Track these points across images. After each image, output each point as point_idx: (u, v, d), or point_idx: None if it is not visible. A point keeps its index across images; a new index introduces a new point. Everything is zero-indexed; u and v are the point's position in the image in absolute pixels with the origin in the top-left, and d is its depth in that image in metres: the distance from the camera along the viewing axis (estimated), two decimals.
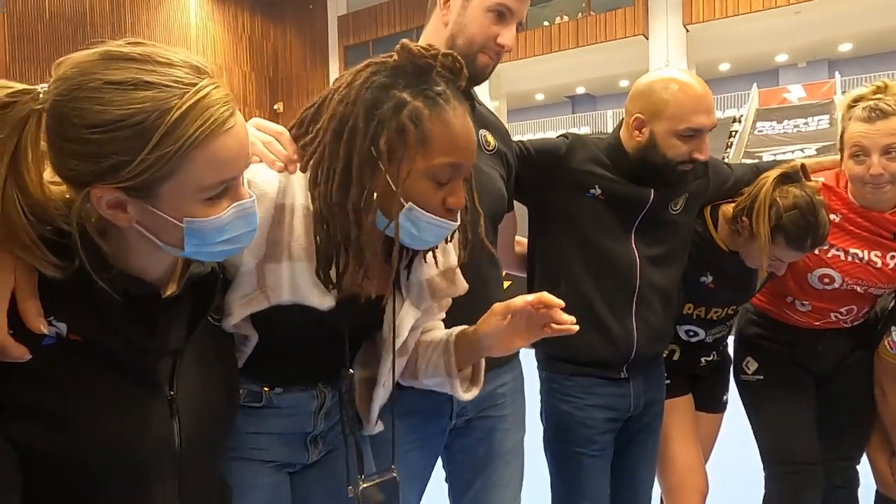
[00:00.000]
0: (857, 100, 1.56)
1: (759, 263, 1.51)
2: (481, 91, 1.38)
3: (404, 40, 0.85)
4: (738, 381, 1.84)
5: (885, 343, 1.66)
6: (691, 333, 1.70)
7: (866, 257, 1.60)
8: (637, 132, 1.41)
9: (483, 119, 1.36)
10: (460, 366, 1.03)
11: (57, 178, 0.68)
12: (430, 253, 0.97)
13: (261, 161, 0.87)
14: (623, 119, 1.46)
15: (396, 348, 0.98)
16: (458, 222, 0.90)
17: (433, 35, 1.27)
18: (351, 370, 0.98)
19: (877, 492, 1.81)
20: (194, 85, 0.65)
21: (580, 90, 20.03)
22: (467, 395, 1.05)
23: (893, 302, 1.68)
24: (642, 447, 1.59)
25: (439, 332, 1.09)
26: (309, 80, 19.17)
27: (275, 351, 0.93)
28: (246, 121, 0.76)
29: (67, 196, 0.70)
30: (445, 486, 1.35)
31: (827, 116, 11.95)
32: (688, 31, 14.87)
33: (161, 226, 0.68)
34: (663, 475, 1.69)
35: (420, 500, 1.26)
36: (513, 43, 1.23)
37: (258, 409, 0.96)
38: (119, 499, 0.72)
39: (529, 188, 1.47)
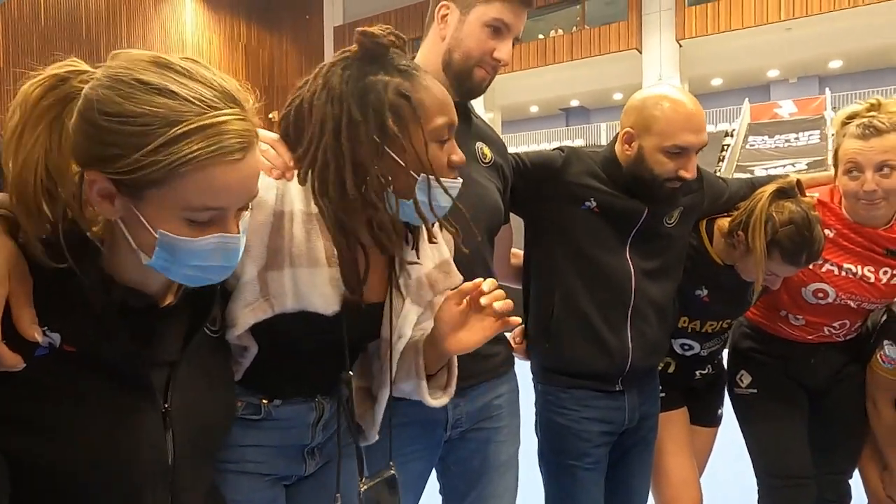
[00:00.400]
0: (851, 117, 1.58)
1: (754, 277, 1.52)
2: (476, 103, 1.39)
3: (358, 28, 0.89)
4: (732, 394, 1.84)
5: (877, 357, 1.67)
6: (686, 347, 1.70)
7: (860, 272, 1.61)
8: (627, 146, 1.42)
9: (480, 132, 1.36)
10: (429, 368, 1.01)
11: None
12: (426, 246, 0.99)
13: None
14: (618, 133, 1.47)
15: (401, 349, 0.98)
16: (461, 181, 0.94)
17: (430, 49, 1.28)
18: (351, 372, 0.97)
19: None
20: (216, 108, 0.65)
21: (574, 103, 20.17)
22: (436, 401, 1.02)
23: (885, 316, 1.69)
24: (637, 460, 1.58)
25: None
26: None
27: (274, 361, 0.92)
28: None
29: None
30: (439, 498, 1.34)
31: (818, 131, 12.08)
32: (681, 45, 15.03)
33: (138, 229, 0.68)
34: (658, 488, 1.68)
35: None
36: (509, 57, 1.24)
37: (256, 421, 0.95)
38: None
39: (525, 200, 1.47)
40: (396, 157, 0.86)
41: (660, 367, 1.65)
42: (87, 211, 0.71)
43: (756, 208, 1.50)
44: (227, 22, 18.32)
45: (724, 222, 1.59)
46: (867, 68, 15.91)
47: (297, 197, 0.88)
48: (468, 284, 0.93)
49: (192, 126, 0.64)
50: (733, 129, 13.22)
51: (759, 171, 10.37)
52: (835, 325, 1.69)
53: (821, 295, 1.64)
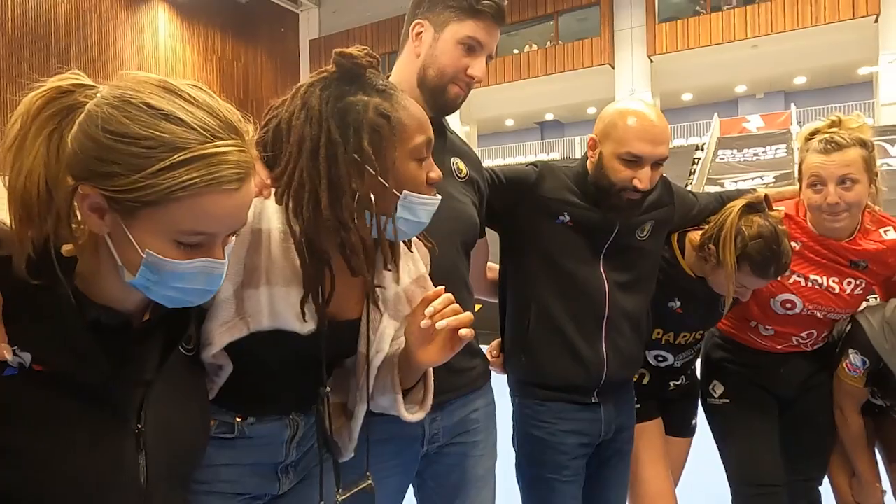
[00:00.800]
0: (813, 133, 1.64)
1: (725, 290, 1.55)
2: (453, 116, 1.40)
3: (336, 49, 0.90)
4: (706, 404, 1.87)
5: (843, 365, 1.71)
6: (660, 358, 1.73)
7: (825, 283, 1.65)
8: (591, 152, 1.45)
9: (455, 147, 1.37)
10: (405, 382, 1.01)
11: None
12: (403, 261, 0.99)
13: None
14: None
15: (378, 364, 0.98)
16: (440, 198, 0.95)
17: (405, 66, 1.29)
18: (328, 388, 0.96)
19: None
20: (219, 138, 0.67)
21: (549, 116, 20.43)
22: (412, 416, 1.02)
23: (849, 326, 1.74)
24: (613, 472, 1.59)
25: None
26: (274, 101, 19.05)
27: (250, 379, 0.91)
28: None
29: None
30: None
31: (784, 145, 12.42)
32: (652, 61, 15.36)
33: (125, 247, 0.68)
34: (634, 499, 1.69)
35: None
36: (483, 75, 1.26)
37: (230, 440, 0.93)
38: None
39: (500, 215, 1.48)
40: (378, 177, 0.87)
41: (634, 379, 1.67)
42: (68, 228, 0.70)
43: (726, 222, 1.53)
44: (202, 33, 18.16)
45: (695, 236, 1.62)
46: (830, 84, 16.46)
47: (273, 215, 0.88)
48: (430, 294, 0.94)
49: (194, 154, 0.65)
50: (704, 143, 13.53)
51: (729, 184, 10.62)
52: (802, 334, 1.74)
53: (788, 305, 1.68)
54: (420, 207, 0.91)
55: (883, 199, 1.69)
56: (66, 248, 0.71)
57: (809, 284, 1.66)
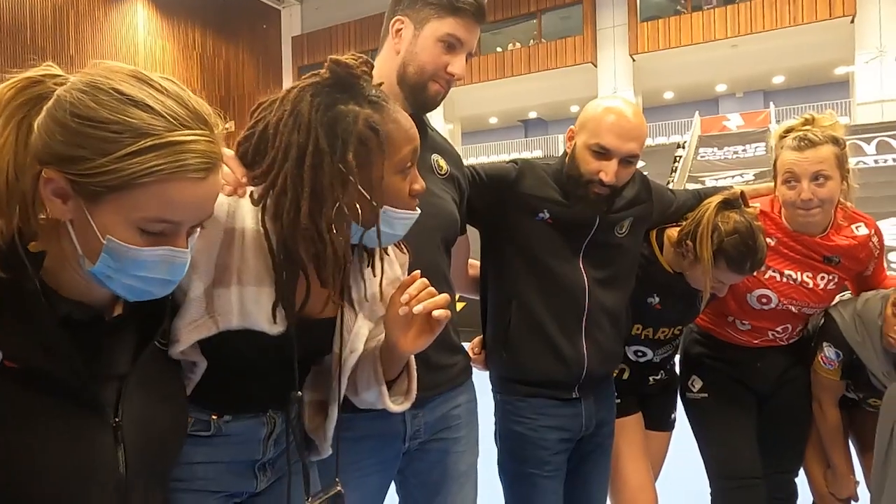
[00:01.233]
0: (788, 130, 1.67)
1: (702, 285, 1.57)
2: (436, 114, 1.41)
3: (331, 56, 0.89)
4: (685, 399, 1.89)
5: (819, 359, 1.75)
6: (640, 354, 1.75)
7: (799, 278, 1.69)
8: (568, 143, 1.47)
9: (435, 144, 1.38)
10: (388, 374, 1.01)
11: None
12: (378, 262, 0.99)
13: None
14: None
15: (352, 364, 0.98)
16: (419, 212, 0.95)
17: (385, 62, 1.28)
18: (300, 393, 0.96)
19: (813, 503, 1.89)
20: (187, 127, 0.67)
21: (532, 114, 20.50)
22: (398, 407, 1.03)
23: (823, 320, 1.77)
24: (594, 467, 1.61)
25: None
26: (261, 99, 18.87)
27: (224, 377, 0.91)
28: None
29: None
30: None
31: (763, 144, 12.58)
32: (634, 60, 15.48)
33: (87, 233, 0.68)
34: (615, 494, 1.71)
35: None
36: (462, 72, 1.27)
37: (206, 437, 0.93)
38: None
39: (481, 212, 1.49)
40: (362, 189, 0.86)
41: (614, 374, 1.69)
42: (35, 218, 0.70)
43: (703, 219, 1.56)
44: (182, 29, 17.92)
45: (673, 232, 1.65)
46: (808, 83, 16.73)
47: (248, 215, 0.88)
48: (406, 279, 0.95)
49: (161, 140, 0.65)
50: (685, 141, 13.67)
51: (710, 182, 10.73)
52: (778, 329, 1.77)
53: (764, 300, 1.71)
54: (398, 221, 0.92)
55: (856, 197, 1.73)
56: (33, 245, 0.70)
57: (784, 279, 1.69)
